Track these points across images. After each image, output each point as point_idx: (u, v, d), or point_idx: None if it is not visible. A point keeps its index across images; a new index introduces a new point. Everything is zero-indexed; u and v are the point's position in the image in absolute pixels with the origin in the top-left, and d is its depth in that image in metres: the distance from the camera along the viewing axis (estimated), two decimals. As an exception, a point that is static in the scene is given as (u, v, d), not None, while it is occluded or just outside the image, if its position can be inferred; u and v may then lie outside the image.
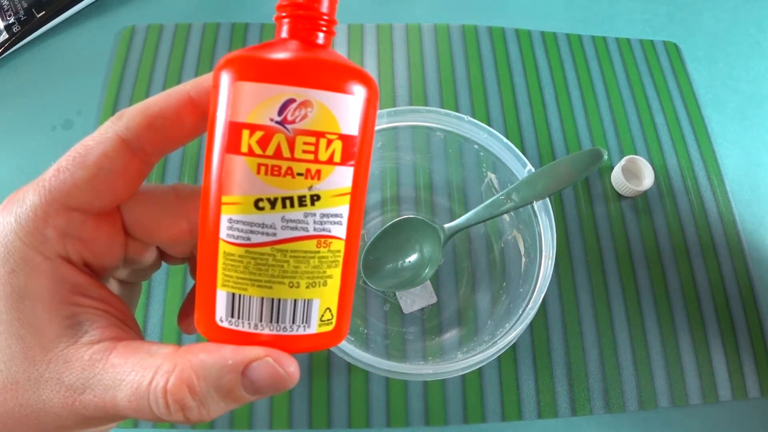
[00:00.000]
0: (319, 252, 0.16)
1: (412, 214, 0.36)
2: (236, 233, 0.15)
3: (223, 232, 0.15)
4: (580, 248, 0.41)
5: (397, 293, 0.38)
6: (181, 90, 0.17)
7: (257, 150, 0.15)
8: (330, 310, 0.16)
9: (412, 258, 0.35)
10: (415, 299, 0.38)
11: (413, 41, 0.48)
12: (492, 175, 0.36)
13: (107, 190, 0.16)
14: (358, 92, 0.15)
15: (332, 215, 0.16)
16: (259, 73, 0.15)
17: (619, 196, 0.43)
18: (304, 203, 0.15)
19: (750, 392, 0.37)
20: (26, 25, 0.46)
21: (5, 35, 0.46)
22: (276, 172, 0.15)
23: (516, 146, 0.33)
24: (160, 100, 0.16)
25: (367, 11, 0.50)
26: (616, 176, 0.42)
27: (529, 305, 0.30)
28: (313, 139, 0.15)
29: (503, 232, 0.39)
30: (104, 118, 0.43)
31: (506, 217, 0.38)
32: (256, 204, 0.15)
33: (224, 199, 0.15)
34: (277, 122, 0.15)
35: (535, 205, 0.33)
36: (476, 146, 0.34)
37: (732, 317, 0.39)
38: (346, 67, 0.15)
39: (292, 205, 0.15)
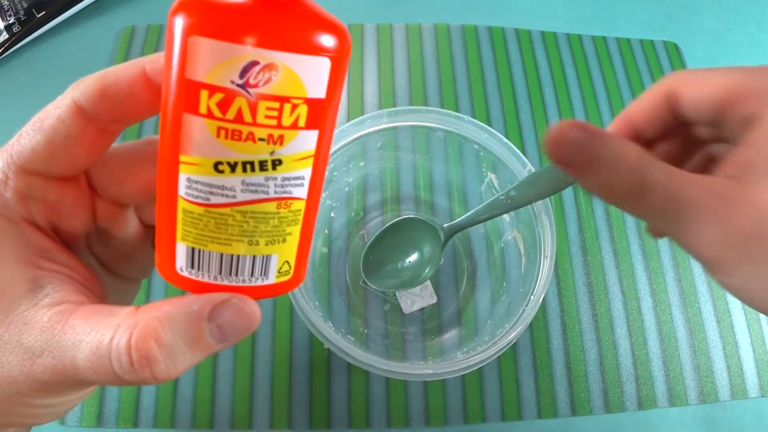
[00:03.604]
0: (279, 213, 0.15)
1: (412, 214, 0.36)
2: (195, 192, 0.15)
3: (182, 190, 0.15)
4: (580, 248, 0.41)
5: (397, 293, 0.38)
6: (139, 63, 0.16)
7: (217, 113, 0.14)
8: (288, 263, 0.16)
9: (413, 258, 0.35)
10: (415, 299, 0.38)
11: (413, 41, 0.48)
12: (492, 175, 0.36)
13: (64, 155, 0.16)
14: (328, 52, 0.14)
15: (294, 178, 0.15)
16: (219, 29, 0.13)
17: (619, 196, 0.43)
18: (265, 168, 0.15)
19: (750, 392, 0.37)
20: (26, 25, 0.46)
21: (5, 35, 0.46)
22: (236, 137, 0.14)
23: (516, 146, 0.33)
24: (117, 69, 0.16)
25: (367, 11, 0.50)
26: (616, 176, 0.42)
27: (529, 305, 0.30)
28: (276, 104, 0.14)
29: (503, 232, 0.39)
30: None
31: (506, 217, 0.38)
32: (216, 167, 0.14)
33: (182, 158, 0.14)
34: (238, 85, 0.14)
35: (535, 205, 0.32)
36: (476, 146, 0.34)
37: (732, 317, 0.39)
38: (316, 24, 0.14)
39: (252, 170, 0.14)
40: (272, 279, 0.16)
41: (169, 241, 0.16)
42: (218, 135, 0.14)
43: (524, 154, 0.35)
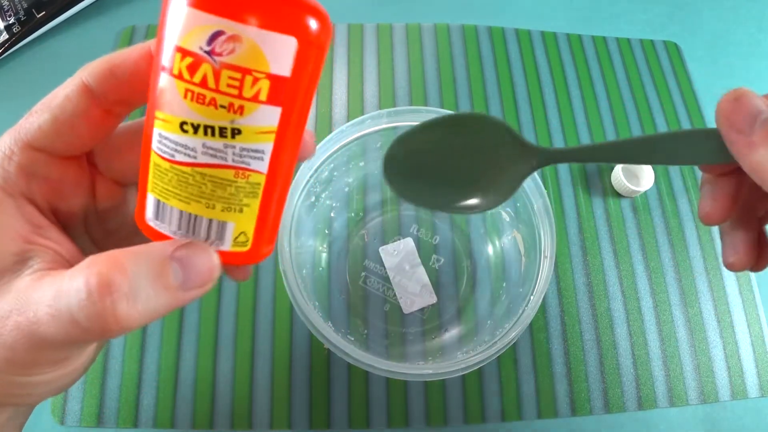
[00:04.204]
0: (236, 182, 0.16)
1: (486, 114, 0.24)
2: (164, 148, 0.16)
3: (155, 144, 0.16)
4: (579, 248, 0.41)
5: (397, 293, 0.38)
6: (144, 44, 0.17)
7: (186, 75, 0.15)
8: (245, 234, 0.17)
9: (474, 176, 0.24)
10: (415, 299, 0.38)
11: (413, 41, 0.48)
12: (492, 175, 0.36)
13: (69, 133, 0.17)
14: (297, 32, 0.15)
15: (253, 150, 0.16)
16: None
17: (619, 196, 0.43)
18: (224, 135, 0.15)
19: (750, 392, 0.37)
20: (26, 25, 0.46)
21: (5, 35, 0.46)
22: (200, 100, 0.15)
23: (516, 146, 0.33)
24: (124, 51, 0.17)
25: (367, 11, 0.50)
26: (616, 176, 0.42)
27: (529, 305, 0.30)
28: (238, 75, 0.15)
29: (503, 232, 0.39)
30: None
31: (506, 216, 0.38)
32: (181, 126, 0.15)
33: (157, 114, 0.15)
34: (205, 52, 0.15)
35: (535, 205, 0.33)
36: (476, 146, 0.34)
37: (732, 317, 0.39)
38: (290, 4, 0.15)
39: (213, 134, 0.15)
40: (228, 246, 0.17)
41: (143, 190, 0.17)
42: (185, 96, 0.15)
43: (524, 154, 0.35)
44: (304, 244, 0.36)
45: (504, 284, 0.37)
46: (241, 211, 0.16)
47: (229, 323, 0.36)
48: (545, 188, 0.32)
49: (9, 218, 0.16)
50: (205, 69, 0.15)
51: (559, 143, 0.44)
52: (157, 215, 0.16)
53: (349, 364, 0.34)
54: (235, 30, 0.14)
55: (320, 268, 0.38)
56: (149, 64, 0.17)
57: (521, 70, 0.47)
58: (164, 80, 0.15)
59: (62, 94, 0.17)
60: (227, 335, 0.36)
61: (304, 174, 0.33)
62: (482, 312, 0.37)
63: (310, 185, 0.34)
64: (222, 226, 0.16)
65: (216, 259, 0.16)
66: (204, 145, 0.15)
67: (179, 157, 0.15)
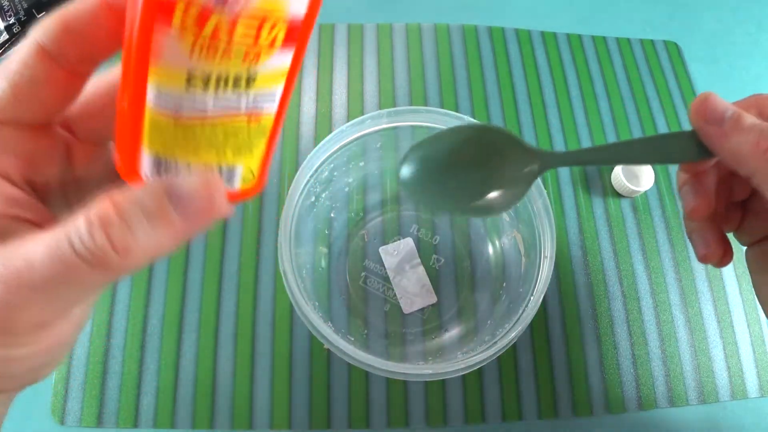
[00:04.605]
0: (249, 127, 0.15)
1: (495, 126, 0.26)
2: (164, 104, 0.14)
3: (151, 101, 0.14)
4: (580, 248, 0.41)
5: (397, 293, 0.38)
6: None
7: (192, 27, 0.13)
8: (252, 171, 0.17)
9: (482, 180, 0.25)
10: (415, 299, 0.38)
11: (413, 41, 0.48)
12: (492, 175, 0.36)
13: (32, 100, 0.16)
14: None
15: (267, 94, 0.15)
16: None
17: (619, 196, 0.43)
18: (238, 85, 0.14)
19: (750, 392, 0.37)
20: (26, 25, 0.46)
21: (5, 36, 0.46)
22: (211, 53, 0.14)
23: (516, 146, 0.33)
24: (77, 3, 0.16)
25: (367, 11, 0.50)
26: (616, 176, 0.42)
27: (529, 305, 0.30)
28: (255, 23, 0.13)
29: (503, 232, 0.39)
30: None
31: (506, 216, 0.38)
32: (188, 80, 0.14)
33: (153, 69, 0.14)
34: (217, 1, 0.13)
35: (535, 205, 0.33)
36: (476, 146, 0.34)
37: (732, 317, 0.39)
38: None
39: (225, 86, 0.14)
40: (236, 185, 0.16)
41: (132, 148, 0.15)
42: (192, 49, 0.13)
43: (524, 154, 0.35)
44: (304, 245, 0.36)
45: (504, 284, 0.37)
46: (251, 152, 0.16)
47: (229, 323, 0.36)
48: (545, 188, 0.32)
49: None
50: (216, 20, 0.13)
51: (559, 143, 0.44)
52: (159, 170, 0.15)
53: (349, 364, 0.34)
54: None
55: (320, 269, 0.38)
56: (108, 13, 0.15)
57: (521, 70, 0.47)
58: (161, 34, 0.13)
59: (17, 59, 0.15)
60: (227, 335, 0.36)
61: (304, 174, 0.33)
62: (482, 312, 0.37)
63: (310, 185, 0.34)
64: (232, 169, 0.16)
65: (216, 187, 0.15)
66: (216, 98, 0.14)
67: (186, 113, 0.14)
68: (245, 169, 0.16)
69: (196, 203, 0.15)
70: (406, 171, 0.25)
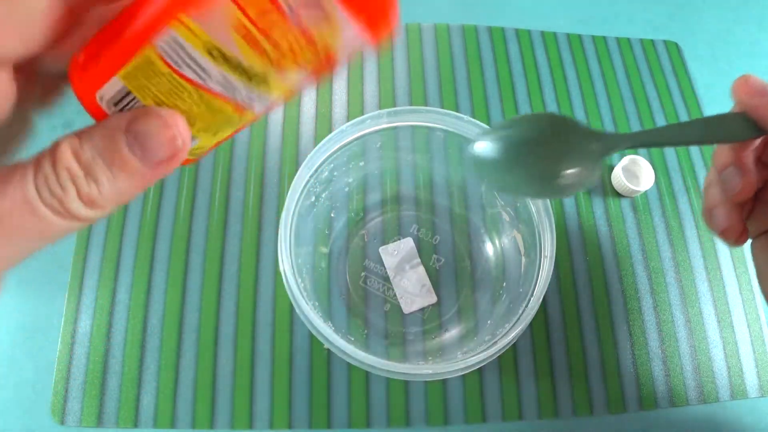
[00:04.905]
0: (230, 115, 0.16)
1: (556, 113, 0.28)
2: (172, 54, 0.14)
3: (160, 43, 0.14)
4: (580, 248, 0.41)
5: (397, 293, 0.38)
6: None
7: (250, 11, 0.13)
8: (203, 148, 0.17)
9: (548, 164, 0.27)
10: (415, 299, 0.38)
11: (413, 41, 0.48)
12: (492, 175, 0.36)
13: (25, 32, 0.14)
14: (377, 41, 0.15)
15: (264, 98, 0.15)
16: None
17: (619, 196, 0.43)
18: (251, 79, 0.15)
19: (750, 392, 0.37)
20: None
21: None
22: (251, 42, 0.14)
23: (516, 146, 0.33)
24: None
25: (367, 11, 0.50)
26: (616, 176, 0.42)
27: (529, 305, 0.30)
28: (303, 42, 0.14)
29: (503, 232, 0.39)
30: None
31: (506, 216, 0.38)
32: (210, 50, 0.14)
33: (183, 18, 0.13)
34: (289, 5, 0.13)
35: (535, 204, 0.33)
36: (476, 146, 0.34)
37: (732, 317, 0.39)
38: (390, 12, 0.15)
39: (240, 74, 0.14)
40: (184, 155, 0.16)
41: (104, 68, 0.14)
42: (236, 28, 0.13)
43: (524, 154, 0.35)
44: (304, 245, 0.36)
45: (504, 284, 0.37)
46: (215, 134, 0.16)
47: (229, 323, 0.36)
48: (545, 188, 0.32)
49: None
50: (277, 19, 0.13)
51: (559, 143, 0.44)
52: (119, 104, 0.15)
53: (349, 364, 0.34)
54: (329, 7, 0.13)
55: (320, 268, 0.38)
56: None
57: (521, 70, 0.47)
58: None
59: None
60: (227, 335, 0.36)
61: (304, 174, 0.33)
62: (482, 312, 0.37)
63: (310, 185, 0.34)
64: (191, 140, 0.16)
65: (180, 128, 0.15)
66: (223, 77, 0.14)
67: (187, 72, 0.14)
68: (201, 144, 0.17)
69: (155, 141, 0.14)
70: (480, 155, 0.27)
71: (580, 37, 0.50)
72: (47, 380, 0.34)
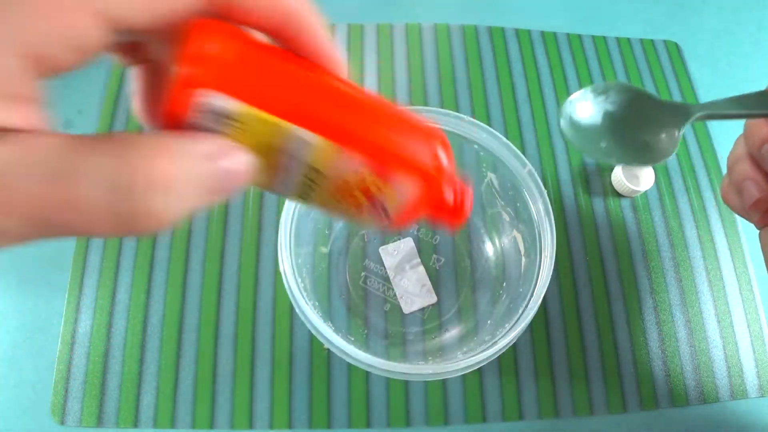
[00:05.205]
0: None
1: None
2: (294, 147, 0.15)
3: (301, 134, 0.14)
4: (580, 248, 0.41)
5: (397, 293, 0.38)
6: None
7: (372, 187, 0.16)
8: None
9: (631, 133, 0.30)
10: (415, 299, 0.38)
11: (413, 41, 0.48)
12: (492, 175, 0.36)
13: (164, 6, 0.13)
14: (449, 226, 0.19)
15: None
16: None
17: (619, 196, 0.43)
18: (303, 193, 0.16)
19: (750, 392, 0.37)
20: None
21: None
22: (343, 196, 0.16)
23: (516, 146, 0.33)
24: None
25: (367, 11, 0.50)
26: (616, 176, 0.42)
27: (529, 305, 0.30)
28: (360, 194, 0.16)
29: (503, 232, 0.39)
30: (104, 117, 0.43)
31: (506, 216, 0.38)
32: (324, 174, 0.15)
33: (346, 150, 0.15)
34: (370, 167, 0.16)
35: (535, 204, 0.33)
36: (476, 146, 0.34)
37: (732, 317, 0.39)
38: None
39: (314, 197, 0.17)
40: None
41: (246, 87, 0.14)
42: (357, 184, 0.16)
43: (524, 154, 0.35)
44: (304, 245, 0.36)
45: (504, 284, 0.37)
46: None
47: (229, 323, 0.36)
48: (545, 188, 0.32)
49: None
50: (358, 175, 0.15)
51: (559, 143, 0.44)
52: (209, 118, 0.14)
53: (349, 364, 0.34)
54: (406, 190, 0.16)
55: (320, 268, 0.38)
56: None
57: (521, 70, 0.47)
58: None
59: None
60: (227, 335, 0.36)
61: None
62: (482, 312, 0.37)
63: (310, 185, 0.34)
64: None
65: (249, 166, 0.15)
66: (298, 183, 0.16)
67: (284, 165, 0.15)
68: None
69: (233, 183, 0.14)
70: (576, 121, 0.29)
71: (580, 37, 0.50)
72: (47, 380, 0.34)
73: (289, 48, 0.16)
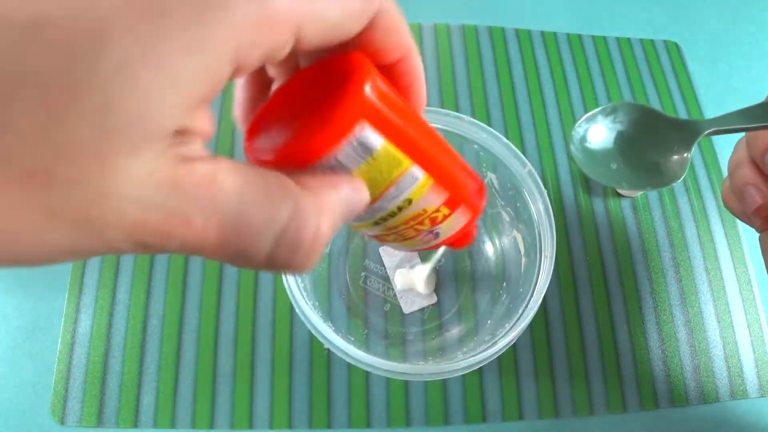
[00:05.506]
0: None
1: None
2: (404, 182, 0.16)
3: (418, 173, 0.16)
4: (580, 248, 0.41)
5: (397, 293, 0.38)
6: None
7: (444, 231, 0.20)
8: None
9: (655, 155, 0.30)
10: (415, 299, 0.38)
11: (413, 41, 0.48)
12: (492, 175, 0.36)
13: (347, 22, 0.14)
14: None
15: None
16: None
17: (619, 196, 0.43)
18: (383, 216, 0.18)
19: (750, 392, 0.37)
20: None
21: None
22: (414, 222, 0.18)
23: (516, 146, 0.33)
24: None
25: (367, 11, 0.50)
26: (617, 176, 0.42)
27: (529, 305, 0.30)
28: (427, 227, 0.19)
29: (503, 232, 0.39)
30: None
31: (506, 216, 0.38)
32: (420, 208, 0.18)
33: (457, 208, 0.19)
34: (436, 230, 0.20)
35: (535, 204, 0.33)
36: (476, 146, 0.34)
37: (732, 317, 0.39)
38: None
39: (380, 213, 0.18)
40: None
41: (409, 133, 0.16)
42: (430, 218, 0.19)
43: (524, 154, 0.35)
44: (304, 244, 0.36)
45: (504, 284, 0.37)
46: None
47: (229, 323, 0.36)
48: (545, 188, 0.32)
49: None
50: (435, 205, 0.18)
51: (559, 143, 0.44)
52: (357, 153, 0.14)
53: (349, 364, 0.34)
54: (462, 220, 0.20)
55: (320, 268, 0.38)
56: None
57: (521, 70, 0.47)
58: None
59: None
60: (227, 335, 0.36)
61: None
62: (482, 312, 0.37)
63: (310, 185, 0.34)
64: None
65: (367, 202, 0.17)
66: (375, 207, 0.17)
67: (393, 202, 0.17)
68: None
69: (348, 211, 0.15)
70: (583, 150, 0.30)
71: (580, 37, 0.50)
72: (47, 380, 0.34)
73: (391, 81, 0.16)
